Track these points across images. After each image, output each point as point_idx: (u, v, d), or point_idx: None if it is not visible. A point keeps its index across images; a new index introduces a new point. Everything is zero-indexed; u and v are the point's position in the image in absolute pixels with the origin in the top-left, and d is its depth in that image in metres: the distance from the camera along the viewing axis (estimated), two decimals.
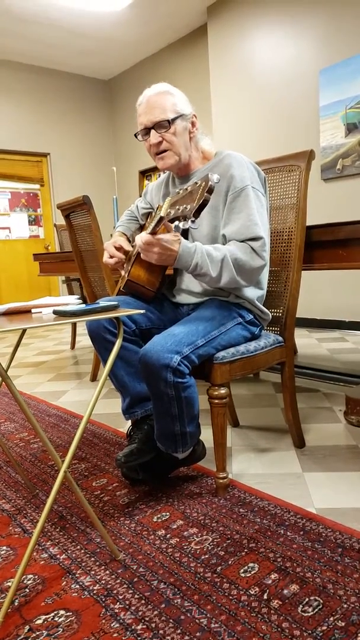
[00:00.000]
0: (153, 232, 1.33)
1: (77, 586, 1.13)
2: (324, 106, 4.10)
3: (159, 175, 1.82)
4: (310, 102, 4.24)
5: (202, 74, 5.50)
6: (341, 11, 3.91)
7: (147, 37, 5.72)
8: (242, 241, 1.45)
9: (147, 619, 1.01)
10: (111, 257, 1.68)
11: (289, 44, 4.34)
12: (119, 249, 1.68)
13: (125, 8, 4.98)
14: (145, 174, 6.66)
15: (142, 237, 1.36)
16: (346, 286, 4.22)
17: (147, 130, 1.53)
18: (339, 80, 3.97)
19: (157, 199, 1.75)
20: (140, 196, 1.88)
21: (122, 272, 1.70)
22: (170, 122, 1.50)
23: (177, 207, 1.20)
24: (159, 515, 1.41)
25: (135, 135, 1.58)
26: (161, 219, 1.27)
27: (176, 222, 1.18)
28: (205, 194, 1.13)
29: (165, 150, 1.53)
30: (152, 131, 1.51)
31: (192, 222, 1.16)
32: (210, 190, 1.14)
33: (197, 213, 1.15)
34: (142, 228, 1.83)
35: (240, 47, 4.78)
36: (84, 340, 4.51)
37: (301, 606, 1.01)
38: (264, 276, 1.63)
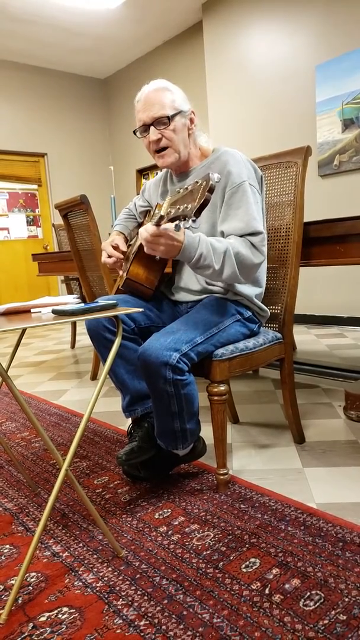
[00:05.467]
0: (157, 225, 1.27)
1: (80, 583, 1.13)
2: (321, 102, 4.10)
3: (157, 174, 1.81)
4: (306, 98, 4.23)
5: (198, 71, 5.49)
6: (337, 7, 3.91)
7: (143, 35, 5.71)
8: (242, 236, 1.44)
9: (150, 614, 1.02)
10: (109, 256, 1.68)
11: (285, 39, 4.34)
12: (116, 248, 1.67)
13: (120, 6, 4.97)
14: (143, 172, 6.66)
15: (147, 229, 1.29)
16: (344, 282, 4.23)
17: (146, 127, 1.51)
18: (336, 75, 3.97)
19: (155, 196, 1.75)
20: (138, 194, 1.88)
21: (120, 272, 1.70)
22: (169, 119, 1.48)
23: (178, 206, 1.19)
24: (160, 512, 1.42)
25: (135, 132, 1.56)
26: (161, 217, 1.24)
27: (177, 222, 1.18)
28: (207, 193, 1.12)
29: (164, 148, 1.52)
30: (152, 128, 1.50)
31: (193, 221, 1.15)
32: (211, 190, 1.13)
33: (198, 213, 1.14)
34: (140, 226, 1.83)
35: (236, 43, 4.77)
36: (84, 339, 4.51)
37: (303, 600, 1.02)
38: (263, 273, 1.63)
